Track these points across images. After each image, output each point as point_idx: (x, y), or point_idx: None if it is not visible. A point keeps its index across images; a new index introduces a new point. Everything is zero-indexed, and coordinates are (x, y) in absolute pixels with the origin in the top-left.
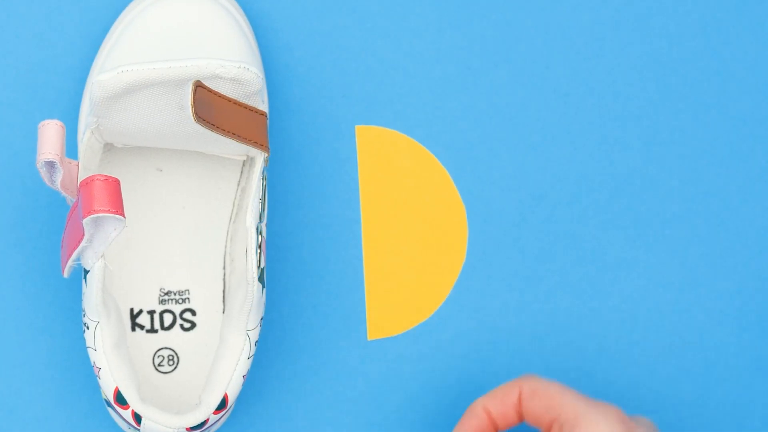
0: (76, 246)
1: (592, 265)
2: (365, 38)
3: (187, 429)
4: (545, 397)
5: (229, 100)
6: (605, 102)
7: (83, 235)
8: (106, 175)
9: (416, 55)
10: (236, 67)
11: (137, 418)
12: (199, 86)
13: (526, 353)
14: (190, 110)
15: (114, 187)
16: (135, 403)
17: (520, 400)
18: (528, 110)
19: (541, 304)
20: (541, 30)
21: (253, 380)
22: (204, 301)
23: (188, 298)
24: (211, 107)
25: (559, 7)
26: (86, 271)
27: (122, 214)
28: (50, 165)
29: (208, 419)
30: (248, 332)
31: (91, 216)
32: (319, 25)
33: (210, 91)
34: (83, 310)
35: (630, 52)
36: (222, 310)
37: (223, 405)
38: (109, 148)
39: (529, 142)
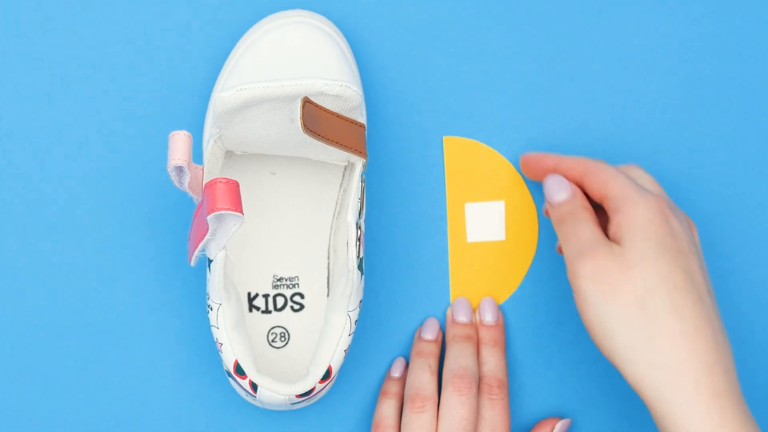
0: (201, 239)
1: None
2: (451, 60)
3: (296, 396)
4: (601, 178)
5: (332, 113)
6: (693, 113)
7: (207, 229)
8: (227, 178)
9: (495, 74)
10: (339, 85)
11: (254, 386)
12: (307, 102)
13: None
14: (299, 122)
15: (234, 188)
16: (252, 374)
17: (583, 174)
18: (600, 122)
19: None
20: (615, 45)
21: (353, 354)
22: (311, 286)
23: (297, 284)
24: (318, 120)
25: (634, 24)
26: (210, 261)
27: (241, 212)
28: (179, 170)
29: (314, 387)
30: (349, 313)
31: (215, 213)
32: (410, 49)
33: (316, 105)
34: (208, 294)
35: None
36: (326, 294)
37: (327, 375)
38: (229, 154)
39: (597, 152)
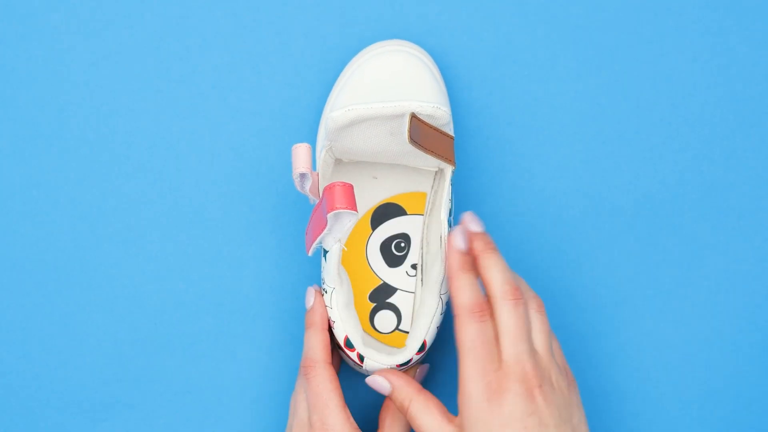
0: (320, 233)
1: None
2: (524, 82)
3: (397, 365)
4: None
5: (431, 126)
6: None
7: (326, 225)
8: (343, 182)
9: (560, 93)
10: (431, 106)
11: (361, 358)
12: (413, 117)
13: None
14: (406, 134)
15: (349, 190)
16: (360, 347)
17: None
18: (656, 139)
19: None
20: (663, 69)
21: (444, 329)
22: None
23: None
24: (419, 132)
25: (681, 52)
26: (325, 251)
27: (356, 210)
28: (303, 176)
29: (411, 358)
30: (441, 295)
31: (333, 212)
32: (490, 72)
33: (420, 120)
34: (323, 279)
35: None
36: (422, 280)
37: (422, 348)
38: (338, 162)
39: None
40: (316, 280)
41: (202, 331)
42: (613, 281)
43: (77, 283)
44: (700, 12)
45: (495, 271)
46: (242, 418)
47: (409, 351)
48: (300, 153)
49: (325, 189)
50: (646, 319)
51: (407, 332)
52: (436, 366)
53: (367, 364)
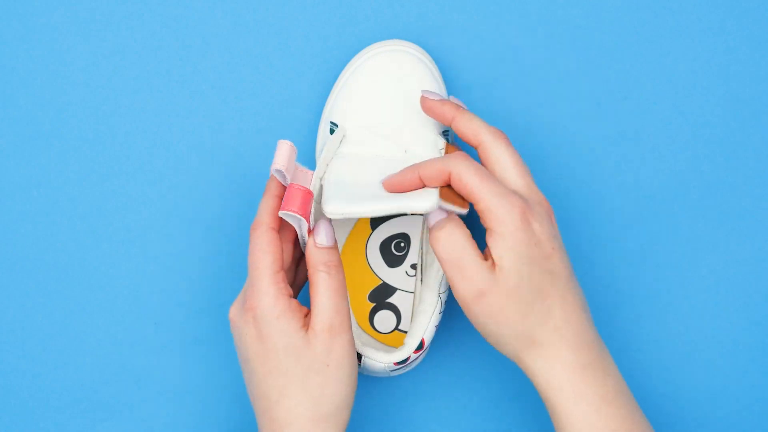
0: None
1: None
2: (524, 82)
3: (394, 363)
4: (467, 185)
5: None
6: None
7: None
8: (304, 187)
9: (559, 94)
10: (424, 206)
11: (359, 356)
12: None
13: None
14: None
15: (307, 197)
16: (357, 346)
17: (449, 179)
18: (652, 132)
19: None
20: (658, 69)
21: (442, 329)
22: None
23: None
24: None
25: (680, 52)
26: None
27: (306, 219)
28: (279, 172)
29: (409, 357)
30: (440, 294)
31: (281, 212)
32: (490, 73)
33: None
34: None
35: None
36: (421, 279)
37: (420, 347)
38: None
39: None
40: None
41: (202, 332)
42: (612, 281)
43: (77, 283)
44: (700, 12)
45: (477, 121)
46: (242, 418)
47: (408, 349)
48: (281, 150)
49: (288, 186)
50: (646, 319)
51: (407, 332)
52: (437, 366)
53: (365, 363)
